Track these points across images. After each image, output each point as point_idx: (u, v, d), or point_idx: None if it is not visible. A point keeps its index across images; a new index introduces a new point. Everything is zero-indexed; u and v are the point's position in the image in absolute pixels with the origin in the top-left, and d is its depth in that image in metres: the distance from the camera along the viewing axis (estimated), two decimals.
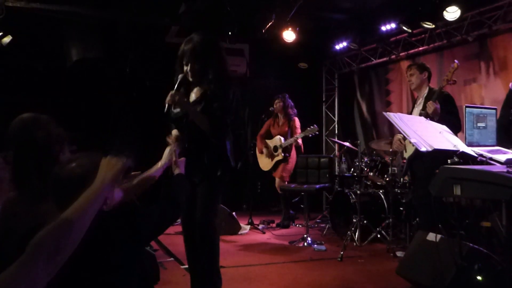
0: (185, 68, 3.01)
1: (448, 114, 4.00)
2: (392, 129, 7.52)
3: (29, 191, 1.96)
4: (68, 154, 2.17)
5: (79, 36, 6.60)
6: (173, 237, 5.67)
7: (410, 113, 4.54)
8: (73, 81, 6.95)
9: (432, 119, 3.56)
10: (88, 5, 6.43)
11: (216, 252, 3.07)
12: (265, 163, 6.83)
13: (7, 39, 6.24)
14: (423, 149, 2.57)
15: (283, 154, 6.54)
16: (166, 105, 2.96)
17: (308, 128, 6.21)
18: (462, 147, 2.75)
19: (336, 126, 8.99)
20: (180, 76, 3.02)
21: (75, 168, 1.73)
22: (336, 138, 8.55)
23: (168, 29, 7.33)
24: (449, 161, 2.60)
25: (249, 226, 6.53)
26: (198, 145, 2.99)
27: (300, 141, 6.59)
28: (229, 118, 2.99)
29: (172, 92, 2.94)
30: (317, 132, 6.22)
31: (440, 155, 3.15)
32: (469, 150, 2.77)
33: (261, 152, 6.85)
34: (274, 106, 6.77)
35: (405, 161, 4.69)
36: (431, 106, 3.95)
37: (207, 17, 6.75)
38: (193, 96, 3.08)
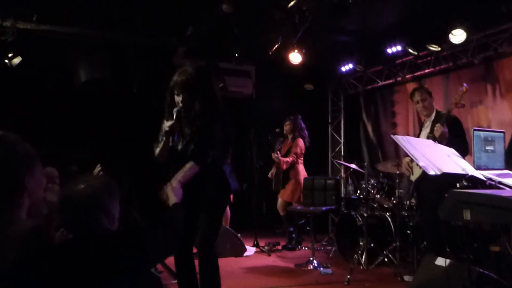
0: (176, 98, 3.01)
1: (455, 137, 3.98)
2: (398, 151, 7.50)
3: None
4: (41, 178, 2.08)
5: (87, 57, 6.67)
6: None
7: (418, 136, 4.53)
8: (81, 101, 7.01)
9: (440, 142, 3.55)
10: (96, 27, 6.52)
11: (218, 277, 3.04)
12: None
13: (17, 60, 6.32)
14: (431, 172, 2.55)
15: (276, 168, 6.80)
16: (163, 134, 2.99)
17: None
18: (471, 170, 2.73)
19: (342, 147, 8.97)
20: (175, 109, 2.98)
21: (84, 189, 1.73)
22: (342, 159, 8.52)
23: (175, 51, 7.41)
24: (458, 184, 2.57)
25: (254, 248, 6.47)
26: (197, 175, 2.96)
27: (288, 159, 6.61)
28: (216, 152, 2.97)
29: (172, 122, 2.95)
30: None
31: (448, 179, 3.13)
32: (478, 174, 2.75)
33: None
34: (284, 127, 6.81)
35: (411, 183, 4.66)
36: (439, 130, 3.93)
37: (214, 38, 6.83)
38: (186, 131, 3.06)
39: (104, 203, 1.78)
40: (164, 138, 3.01)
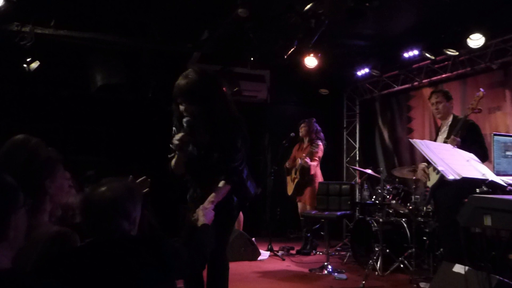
0: (180, 108, 2.78)
1: (474, 143, 3.91)
2: (414, 157, 7.42)
3: None
4: (62, 182, 2.09)
5: (103, 62, 6.74)
6: None
7: (435, 141, 4.47)
8: (97, 106, 7.08)
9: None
10: (112, 32, 6.59)
11: (225, 282, 3.00)
12: (289, 187, 6.83)
13: (35, 65, 6.40)
14: (451, 177, 2.51)
15: (300, 176, 6.55)
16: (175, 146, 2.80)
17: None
18: (490, 176, 2.68)
19: (357, 152, 8.91)
20: (186, 120, 2.78)
21: (106, 191, 1.72)
22: (357, 165, 8.46)
23: (190, 55, 7.45)
24: (477, 190, 2.52)
25: (268, 252, 6.44)
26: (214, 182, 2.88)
27: (313, 163, 6.53)
28: (241, 164, 2.91)
29: (181, 135, 2.77)
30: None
31: (465, 184, 3.08)
32: (498, 179, 2.70)
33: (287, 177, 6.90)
34: (300, 130, 6.78)
35: (428, 189, 4.60)
36: (453, 142, 3.86)
37: (229, 43, 6.85)
38: (203, 140, 2.89)
39: (125, 207, 1.75)
40: (176, 152, 2.83)
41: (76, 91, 6.96)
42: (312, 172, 6.56)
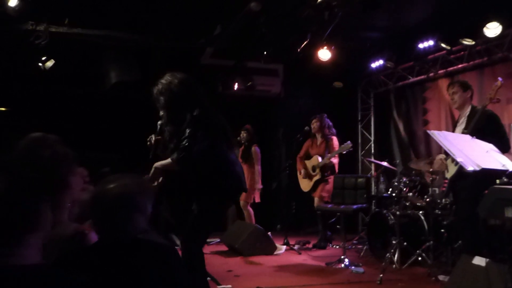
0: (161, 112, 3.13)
1: (493, 134, 3.84)
2: (430, 149, 7.34)
3: None
4: (78, 179, 2.11)
5: (117, 60, 6.78)
6: (209, 257, 5.66)
7: (453, 132, 4.41)
8: (111, 103, 7.13)
9: (478, 134, 3.41)
10: (125, 30, 6.62)
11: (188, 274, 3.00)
12: (305, 184, 6.79)
13: (50, 63, 6.47)
14: (470, 168, 2.47)
15: (321, 174, 6.47)
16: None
17: (342, 145, 6.15)
18: (511, 166, 2.63)
19: (373, 145, 8.84)
20: (159, 122, 3.15)
21: (116, 188, 1.69)
22: (373, 157, 8.40)
23: (203, 51, 7.45)
24: (497, 181, 2.48)
25: (284, 246, 6.44)
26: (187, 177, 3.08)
27: (334, 160, 6.50)
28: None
29: (151, 137, 3.15)
30: (351, 149, 6.16)
31: (485, 175, 3.03)
32: None
33: (300, 174, 6.83)
34: (311, 126, 6.73)
35: (446, 181, 4.54)
36: None
37: (242, 38, 6.83)
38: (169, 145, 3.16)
39: (139, 202, 1.72)
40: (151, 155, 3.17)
41: (90, 88, 7.00)
42: (337, 170, 6.54)
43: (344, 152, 6.17)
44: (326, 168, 6.50)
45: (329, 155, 6.41)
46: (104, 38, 6.61)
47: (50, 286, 1.26)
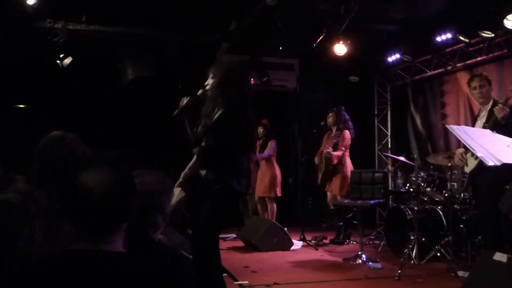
0: (208, 81, 3.14)
1: None
2: (449, 143, 7.24)
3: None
4: None
5: (133, 56, 6.82)
6: (226, 253, 5.69)
7: (473, 126, 4.33)
8: (128, 99, 7.18)
9: (499, 128, 3.33)
10: (142, 26, 6.65)
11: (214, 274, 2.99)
12: (320, 177, 6.79)
13: (67, 60, 6.54)
14: (490, 163, 2.43)
15: (325, 166, 6.52)
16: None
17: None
18: None
19: (389, 140, 8.76)
20: (201, 91, 3.16)
21: (138, 185, 1.71)
22: (389, 152, 8.33)
23: (218, 46, 7.45)
24: None
25: (301, 242, 6.43)
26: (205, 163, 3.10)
27: (337, 153, 6.48)
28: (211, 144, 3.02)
29: (188, 99, 3.18)
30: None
31: (506, 170, 2.98)
32: None
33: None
34: (327, 119, 6.70)
35: (466, 175, 4.48)
36: (501, 111, 3.67)
37: (257, 32, 6.81)
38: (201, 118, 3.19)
39: (160, 201, 1.74)
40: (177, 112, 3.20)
41: (108, 85, 7.07)
42: (335, 161, 6.51)
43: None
44: (328, 160, 6.51)
45: (326, 145, 6.57)
46: (121, 34, 6.65)
47: (142, 273, 1.30)
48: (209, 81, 3.12)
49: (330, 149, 6.48)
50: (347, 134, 6.59)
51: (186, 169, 3.24)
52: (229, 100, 3.03)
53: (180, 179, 3.18)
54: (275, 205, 6.82)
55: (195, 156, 3.20)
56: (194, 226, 3.16)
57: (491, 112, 3.99)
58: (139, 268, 1.32)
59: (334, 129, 6.70)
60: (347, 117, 6.73)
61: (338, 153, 6.52)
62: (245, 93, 3.15)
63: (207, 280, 2.88)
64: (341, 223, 6.66)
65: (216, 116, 3.02)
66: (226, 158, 3.04)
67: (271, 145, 6.83)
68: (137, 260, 1.36)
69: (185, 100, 3.19)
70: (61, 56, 6.52)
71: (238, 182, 3.03)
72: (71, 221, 1.34)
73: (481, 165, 3.68)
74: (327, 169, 6.56)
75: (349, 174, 6.44)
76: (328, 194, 6.72)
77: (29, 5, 5.42)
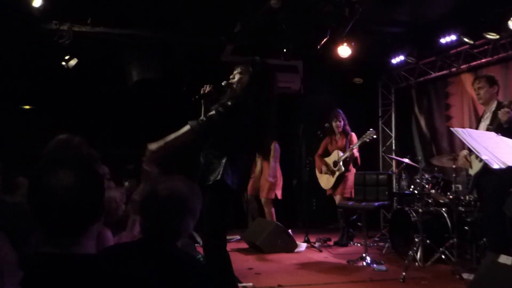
0: (234, 75, 3.16)
1: None
2: (453, 145, 7.23)
3: None
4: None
5: (138, 58, 6.86)
6: (230, 255, 5.67)
7: (477, 128, 4.33)
8: (134, 100, 7.21)
9: (503, 131, 3.34)
10: (147, 28, 6.68)
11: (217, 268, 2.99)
12: (325, 181, 6.74)
13: (73, 62, 6.58)
14: (495, 166, 2.43)
15: (344, 167, 6.44)
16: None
17: (366, 133, 6.17)
18: None
19: (393, 141, 8.76)
20: (225, 82, 3.18)
21: (174, 191, 1.71)
22: (394, 154, 8.32)
23: (223, 48, 7.47)
24: None
25: (305, 244, 6.43)
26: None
27: (356, 152, 6.48)
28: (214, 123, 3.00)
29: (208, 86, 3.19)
30: (374, 136, 6.19)
31: (511, 173, 2.98)
32: None
33: (321, 172, 6.79)
34: (333, 124, 6.68)
35: (470, 178, 4.47)
36: (505, 114, 3.68)
37: (262, 35, 6.82)
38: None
39: (194, 206, 1.74)
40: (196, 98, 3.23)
41: (113, 86, 7.10)
42: (359, 163, 6.51)
43: (368, 140, 6.17)
44: (348, 162, 6.48)
45: (351, 146, 6.39)
46: (126, 36, 6.69)
47: (111, 276, 1.31)
48: (236, 76, 3.15)
49: (354, 151, 6.45)
50: (355, 137, 6.58)
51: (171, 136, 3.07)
52: (253, 99, 3.05)
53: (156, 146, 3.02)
54: (273, 208, 6.80)
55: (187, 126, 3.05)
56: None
57: (495, 114, 3.99)
58: (110, 270, 1.31)
59: (338, 133, 6.70)
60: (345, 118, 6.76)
61: (357, 154, 6.50)
62: (271, 98, 3.18)
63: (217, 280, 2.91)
64: (345, 225, 6.65)
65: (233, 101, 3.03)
66: (231, 136, 3.03)
67: (274, 147, 6.83)
68: (107, 262, 1.36)
69: (207, 88, 3.21)
70: (66, 57, 6.56)
71: (231, 177, 3.00)
72: (39, 224, 1.32)
73: (486, 167, 3.68)
74: (346, 171, 6.48)
75: (353, 176, 6.44)
76: (337, 197, 6.63)
77: (35, 7, 5.46)
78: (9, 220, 1.66)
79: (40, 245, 1.37)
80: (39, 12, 5.53)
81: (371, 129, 6.21)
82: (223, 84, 3.19)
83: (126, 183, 5.31)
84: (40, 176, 1.31)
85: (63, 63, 6.56)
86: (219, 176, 2.96)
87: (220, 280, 2.91)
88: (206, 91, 3.19)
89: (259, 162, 6.86)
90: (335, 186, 6.58)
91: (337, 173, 6.53)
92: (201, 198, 1.83)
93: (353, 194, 6.42)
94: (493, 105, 4.20)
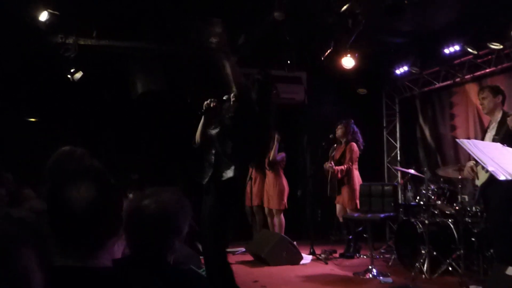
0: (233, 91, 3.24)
1: None
2: (459, 155, 7.20)
3: None
4: None
5: (143, 70, 6.90)
6: (235, 267, 5.63)
7: (483, 138, 4.31)
8: (139, 112, 7.24)
9: (510, 141, 3.32)
10: (151, 40, 6.73)
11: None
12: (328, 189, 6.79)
13: (78, 75, 6.62)
14: (502, 177, 2.42)
15: (331, 178, 6.56)
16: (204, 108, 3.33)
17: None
18: None
19: (398, 152, 8.73)
20: (227, 96, 3.30)
21: (153, 204, 1.65)
22: (399, 164, 8.29)
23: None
24: None
25: (311, 256, 6.39)
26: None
27: (334, 167, 6.47)
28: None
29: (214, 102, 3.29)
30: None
31: None
32: None
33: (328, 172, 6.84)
34: (336, 131, 6.69)
35: (477, 188, 4.45)
36: None
37: (266, 46, 6.85)
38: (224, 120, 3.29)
39: (174, 224, 1.66)
40: (202, 116, 3.35)
41: (118, 98, 7.14)
42: (339, 176, 6.48)
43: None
44: (331, 174, 6.51)
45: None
46: (131, 49, 6.74)
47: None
48: (234, 92, 3.25)
49: (331, 164, 6.49)
50: (354, 147, 6.55)
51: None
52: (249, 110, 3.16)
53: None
54: (283, 218, 6.80)
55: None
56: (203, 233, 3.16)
57: (500, 124, 3.98)
58: (126, 283, 1.31)
59: (343, 142, 6.69)
60: (356, 129, 6.72)
61: (342, 167, 6.48)
62: (267, 108, 3.30)
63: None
64: (351, 237, 6.61)
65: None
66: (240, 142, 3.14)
67: (281, 154, 6.84)
68: (125, 276, 1.35)
69: (212, 103, 3.31)
70: (72, 70, 6.60)
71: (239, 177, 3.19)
72: (56, 236, 1.31)
73: (492, 178, 3.66)
74: (332, 179, 6.54)
75: (357, 187, 6.41)
76: (338, 206, 6.68)
77: (41, 21, 5.51)
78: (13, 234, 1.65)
79: (53, 259, 1.37)
80: (45, 26, 5.58)
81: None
82: (224, 98, 3.26)
83: (131, 195, 5.31)
84: (60, 189, 1.31)
85: (69, 76, 6.61)
86: (232, 173, 3.09)
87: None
88: (211, 106, 3.26)
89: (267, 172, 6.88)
90: (332, 193, 6.60)
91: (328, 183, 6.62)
92: (189, 213, 1.75)
93: (352, 206, 6.40)
94: (499, 115, 4.18)
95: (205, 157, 3.29)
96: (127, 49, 6.66)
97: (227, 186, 3.12)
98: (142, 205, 1.66)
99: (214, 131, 3.29)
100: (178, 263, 1.92)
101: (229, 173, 3.12)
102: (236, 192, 3.20)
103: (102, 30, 6.34)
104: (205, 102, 3.33)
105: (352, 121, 6.72)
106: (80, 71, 6.63)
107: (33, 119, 7.46)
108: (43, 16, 5.48)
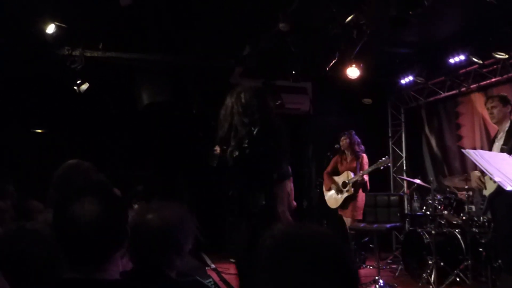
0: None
1: None
2: (465, 165, 7.16)
3: None
4: None
5: (149, 81, 6.94)
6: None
7: (490, 148, 4.29)
8: (144, 123, 7.28)
9: None
10: (157, 52, 6.78)
11: None
12: (333, 200, 6.66)
13: (84, 87, 6.67)
14: (509, 188, 2.40)
15: (353, 189, 6.36)
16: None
17: (380, 161, 6.04)
18: None
19: (404, 162, 8.70)
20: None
21: (156, 220, 1.65)
22: (405, 174, 8.26)
23: (232, 71, 7.54)
24: None
25: None
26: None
27: (366, 177, 6.40)
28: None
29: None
30: (389, 164, 6.03)
31: None
32: None
33: (329, 190, 6.72)
34: (341, 143, 6.65)
35: (484, 198, 4.41)
36: None
37: (271, 57, 6.89)
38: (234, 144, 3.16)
39: (178, 239, 1.66)
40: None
41: (124, 109, 7.18)
42: (368, 187, 6.42)
43: (382, 168, 6.08)
44: (357, 185, 6.39)
45: (361, 172, 6.28)
46: (136, 60, 6.78)
47: None
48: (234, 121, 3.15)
49: (364, 176, 6.37)
50: (366, 158, 6.51)
51: None
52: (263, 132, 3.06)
53: None
54: None
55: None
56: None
57: (508, 134, 3.96)
58: None
59: (348, 152, 6.65)
60: (359, 140, 6.69)
61: (366, 178, 6.41)
62: (270, 119, 3.18)
63: None
64: (356, 247, 6.56)
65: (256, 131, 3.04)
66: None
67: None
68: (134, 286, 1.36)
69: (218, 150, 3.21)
70: (78, 82, 6.65)
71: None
72: (63, 251, 1.33)
73: (500, 188, 3.64)
74: (355, 194, 6.42)
75: (362, 198, 6.38)
76: (348, 219, 6.54)
77: (48, 33, 5.57)
78: (30, 247, 1.65)
79: (63, 272, 1.38)
80: (52, 39, 5.64)
81: (386, 157, 6.08)
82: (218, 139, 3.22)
83: (136, 206, 5.31)
84: (65, 204, 1.32)
85: (75, 87, 6.66)
86: (264, 201, 2.94)
87: None
88: (219, 152, 3.21)
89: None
90: (342, 206, 6.49)
91: (345, 194, 6.45)
92: (191, 230, 1.74)
93: (359, 216, 6.33)
94: (507, 125, 4.16)
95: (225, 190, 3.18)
96: (133, 60, 6.70)
97: (262, 215, 2.93)
98: (145, 219, 1.66)
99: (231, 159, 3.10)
100: (184, 275, 1.91)
101: (260, 201, 2.94)
102: (273, 218, 2.95)
103: (108, 42, 6.39)
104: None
105: (353, 132, 6.69)
106: (87, 83, 6.68)
107: (39, 130, 7.51)
108: (50, 28, 5.54)
